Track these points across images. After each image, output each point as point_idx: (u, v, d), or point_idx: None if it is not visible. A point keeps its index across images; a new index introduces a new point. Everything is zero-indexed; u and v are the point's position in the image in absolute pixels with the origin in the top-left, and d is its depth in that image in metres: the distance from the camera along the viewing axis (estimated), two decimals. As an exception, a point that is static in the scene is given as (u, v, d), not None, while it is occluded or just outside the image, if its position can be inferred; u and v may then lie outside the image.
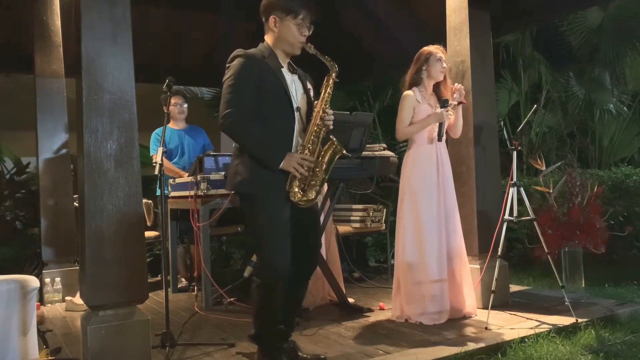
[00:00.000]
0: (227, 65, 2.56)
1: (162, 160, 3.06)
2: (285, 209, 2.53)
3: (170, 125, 4.92)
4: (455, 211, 3.54)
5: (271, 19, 2.58)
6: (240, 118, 2.46)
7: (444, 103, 3.47)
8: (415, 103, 3.51)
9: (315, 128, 2.56)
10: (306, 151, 2.54)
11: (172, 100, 4.72)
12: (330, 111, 2.59)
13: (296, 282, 2.66)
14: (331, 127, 2.59)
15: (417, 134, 3.51)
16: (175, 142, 4.94)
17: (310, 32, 2.61)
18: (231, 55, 2.57)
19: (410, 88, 3.56)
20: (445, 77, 3.59)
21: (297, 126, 2.59)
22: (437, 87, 3.61)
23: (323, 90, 2.61)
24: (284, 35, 2.57)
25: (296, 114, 2.58)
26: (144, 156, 4.66)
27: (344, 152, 2.60)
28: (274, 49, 2.61)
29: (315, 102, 2.64)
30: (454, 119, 3.58)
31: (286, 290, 2.60)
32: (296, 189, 2.52)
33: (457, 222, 3.54)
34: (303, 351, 2.74)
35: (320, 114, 2.56)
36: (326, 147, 2.57)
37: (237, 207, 2.67)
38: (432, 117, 3.47)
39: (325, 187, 3.82)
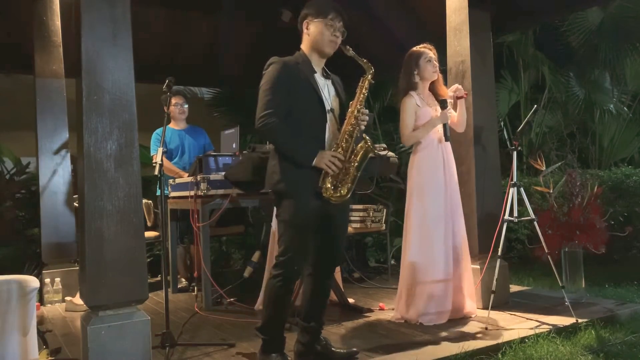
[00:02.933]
0: (263, 72, 2.66)
1: (162, 160, 3.06)
2: (315, 206, 2.61)
3: (171, 125, 4.93)
4: (459, 211, 3.56)
5: (304, 24, 2.72)
6: (276, 120, 2.54)
7: (442, 104, 3.47)
8: (415, 107, 3.51)
9: (349, 127, 2.62)
10: (339, 149, 2.61)
11: (173, 101, 4.73)
12: (366, 111, 2.66)
13: (321, 275, 2.77)
14: (364, 127, 2.64)
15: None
16: (176, 142, 4.94)
17: (344, 37, 2.71)
18: (267, 63, 2.68)
19: (407, 93, 3.56)
20: (437, 75, 3.58)
21: (329, 127, 2.67)
22: (431, 85, 3.60)
23: (358, 91, 2.69)
24: (315, 35, 2.68)
25: (328, 115, 2.67)
26: (144, 156, 4.67)
27: (376, 152, 2.65)
28: (308, 56, 2.72)
29: (350, 102, 2.70)
30: (458, 113, 3.59)
31: (313, 284, 2.76)
32: (329, 185, 2.58)
33: (461, 222, 3.56)
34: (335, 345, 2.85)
35: (355, 113, 2.63)
36: (359, 145, 2.62)
37: (273, 204, 2.75)
38: (436, 120, 3.48)
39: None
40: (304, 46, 2.75)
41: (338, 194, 2.59)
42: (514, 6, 4.23)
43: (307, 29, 2.71)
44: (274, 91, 2.57)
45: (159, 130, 4.78)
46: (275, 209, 2.81)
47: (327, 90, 2.72)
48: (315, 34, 2.67)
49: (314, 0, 2.72)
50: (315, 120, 2.65)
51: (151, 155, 4.78)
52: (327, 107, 2.67)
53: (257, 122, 2.57)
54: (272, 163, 2.68)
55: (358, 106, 2.64)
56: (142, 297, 2.62)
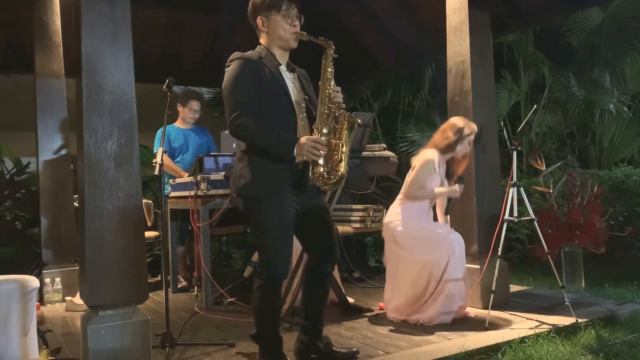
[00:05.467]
0: (225, 69, 2.56)
1: (162, 160, 3.06)
2: (289, 209, 2.53)
3: (177, 124, 4.95)
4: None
5: (258, 20, 2.61)
6: (246, 119, 2.44)
7: (460, 180, 3.57)
8: (433, 170, 3.54)
9: (325, 109, 2.52)
10: (319, 134, 2.50)
11: (192, 103, 4.87)
12: (337, 88, 2.54)
13: (317, 276, 2.72)
14: (342, 102, 2.54)
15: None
16: (180, 141, 4.94)
17: (302, 23, 2.61)
18: (228, 60, 2.57)
19: (433, 148, 3.59)
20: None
21: (299, 122, 2.58)
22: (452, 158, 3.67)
23: (323, 70, 2.58)
24: (274, 30, 2.58)
25: (297, 110, 2.57)
26: (144, 156, 4.67)
27: (359, 121, 2.53)
28: (270, 49, 2.62)
29: (319, 83, 2.60)
30: None
31: (312, 282, 2.73)
32: (320, 172, 2.48)
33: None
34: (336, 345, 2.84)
35: (326, 92, 2.53)
36: (340, 122, 2.52)
37: (239, 209, 2.64)
38: (447, 192, 3.56)
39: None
40: (263, 41, 2.63)
41: (334, 179, 2.48)
42: (514, 6, 4.23)
43: (263, 25, 2.59)
44: (239, 91, 2.47)
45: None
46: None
47: (294, 84, 2.62)
48: (275, 30, 2.56)
49: None
50: (284, 115, 2.53)
51: (154, 152, 4.77)
52: (294, 101, 2.57)
53: (229, 127, 2.46)
54: (240, 166, 2.55)
55: (327, 84, 2.54)
56: (142, 297, 2.62)
